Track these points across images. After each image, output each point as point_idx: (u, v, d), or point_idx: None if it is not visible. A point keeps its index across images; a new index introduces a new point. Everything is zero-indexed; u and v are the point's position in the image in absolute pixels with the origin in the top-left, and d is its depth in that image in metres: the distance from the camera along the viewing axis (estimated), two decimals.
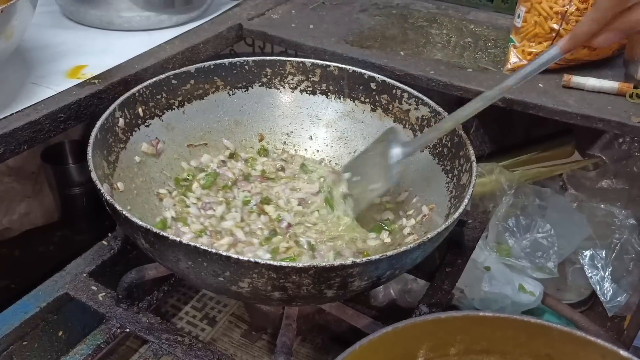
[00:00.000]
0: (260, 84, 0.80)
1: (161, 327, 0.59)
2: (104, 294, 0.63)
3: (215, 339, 0.80)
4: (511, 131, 1.11)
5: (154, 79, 0.72)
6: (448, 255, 0.73)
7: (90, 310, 0.62)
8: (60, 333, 0.65)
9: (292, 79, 0.80)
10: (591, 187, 0.95)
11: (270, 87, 0.81)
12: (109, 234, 0.71)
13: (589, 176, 0.97)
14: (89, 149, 0.58)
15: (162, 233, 0.48)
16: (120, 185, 0.64)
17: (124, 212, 0.51)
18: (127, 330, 0.59)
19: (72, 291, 0.63)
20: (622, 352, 0.42)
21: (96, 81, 0.72)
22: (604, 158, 0.99)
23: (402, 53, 0.85)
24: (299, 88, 0.81)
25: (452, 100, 0.79)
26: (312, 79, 0.80)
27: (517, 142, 1.11)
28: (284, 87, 0.81)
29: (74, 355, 0.58)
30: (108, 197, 0.52)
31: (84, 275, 0.65)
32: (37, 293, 0.63)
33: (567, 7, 0.76)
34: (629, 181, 0.94)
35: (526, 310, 0.93)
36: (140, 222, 0.50)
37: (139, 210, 0.65)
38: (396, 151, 0.66)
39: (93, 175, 0.55)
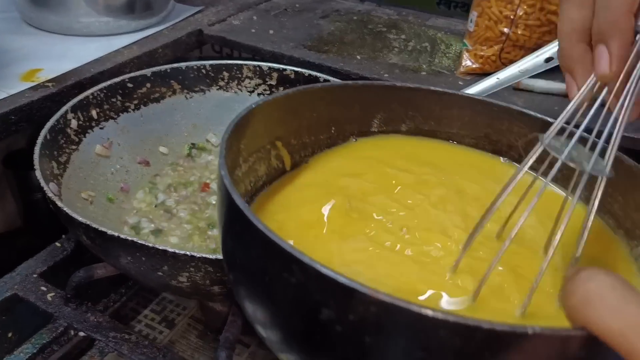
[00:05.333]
0: (217, 87, 0.81)
1: (109, 325, 0.60)
2: (54, 294, 0.63)
3: (173, 342, 0.80)
4: None
5: (109, 82, 0.72)
6: None
7: (39, 310, 0.62)
8: (10, 334, 0.65)
9: (250, 83, 0.82)
10: None
11: (227, 91, 0.82)
12: (63, 236, 0.72)
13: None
14: (36, 149, 0.59)
15: (100, 229, 0.49)
16: (73, 185, 0.64)
17: (64, 209, 0.51)
18: (75, 328, 0.60)
19: (21, 292, 0.63)
20: (551, 120, 0.42)
21: (50, 84, 0.73)
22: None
23: (358, 57, 0.86)
24: (256, 91, 0.82)
25: None
26: (269, 82, 0.81)
27: None
28: (241, 91, 0.82)
29: (18, 354, 0.58)
30: (50, 195, 0.53)
31: (34, 276, 0.65)
32: None
33: (516, 11, 0.78)
34: None
35: None
36: (80, 219, 0.50)
37: (100, 213, 0.65)
38: None
39: (37, 173, 0.55)
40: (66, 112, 0.66)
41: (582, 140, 0.34)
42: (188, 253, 0.47)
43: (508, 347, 0.24)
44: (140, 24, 0.89)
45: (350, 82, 0.46)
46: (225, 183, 0.30)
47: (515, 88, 0.79)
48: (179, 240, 0.67)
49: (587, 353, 0.24)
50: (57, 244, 0.70)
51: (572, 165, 0.33)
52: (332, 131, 0.45)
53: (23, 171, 1.02)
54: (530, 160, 0.33)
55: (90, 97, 0.70)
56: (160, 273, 0.50)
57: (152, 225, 0.69)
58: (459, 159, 0.46)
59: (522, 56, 0.70)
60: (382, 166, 0.43)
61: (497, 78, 0.63)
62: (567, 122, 0.35)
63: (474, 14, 0.82)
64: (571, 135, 0.34)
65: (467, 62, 0.82)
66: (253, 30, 0.93)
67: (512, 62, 0.70)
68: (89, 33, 0.86)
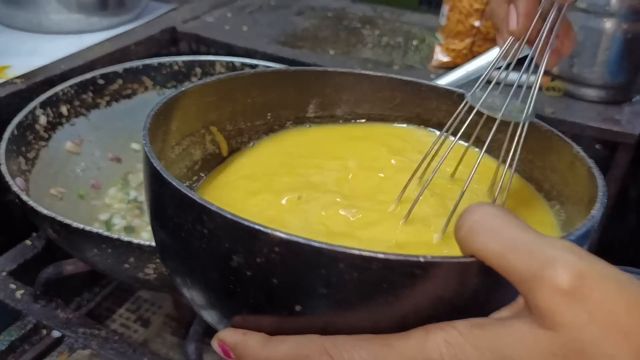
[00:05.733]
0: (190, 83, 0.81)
1: (78, 321, 0.59)
2: (23, 291, 0.62)
3: (148, 340, 0.80)
4: None
5: (80, 79, 0.72)
6: None
7: (8, 308, 0.61)
8: None
9: None
10: None
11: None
12: (34, 234, 0.71)
13: None
14: (2, 144, 0.58)
15: (65, 221, 0.48)
16: (42, 181, 0.64)
17: (29, 203, 0.51)
18: (44, 325, 0.59)
19: None
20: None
21: (19, 81, 0.72)
22: None
23: (331, 52, 0.86)
24: None
25: None
26: None
27: None
28: None
29: None
30: (16, 189, 0.52)
31: (4, 274, 0.64)
32: None
33: (486, 4, 0.79)
34: None
35: None
36: (45, 212, 0.50)
37: (70, 209, 0.65)
38: None
39: (3, 168, 0.55)
40: (34, 108, 0.66)
41: (513, 95, 0.36)
42: (153, 244, 0.46)
43: (403, 276, 0.25)
44: (113, 21, 0.89)
45: (282, 68, 0.48)
46: (145, 150, 0.31)
47: (487, 81, 0.79)
48: (150, 236, 0.66)
49: (479, 280, 0.25)
50: (28, 242, 0.70)
51: (486, 112, 0.36)
52: (268, 117, 0.46)
53: None
54: (459, 113, 0.37)
55: (60, 93, 0.69)
56: (127, 265, 0.49)
57: (124, 221, 0.69)
58: (391, 131, 0.48)
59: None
60: (313, 155, 0.44)
61: (466, 71, 0.63)
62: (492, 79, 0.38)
63: (445, 8, 0.83)
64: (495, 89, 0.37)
65: (439, 56, 0.83)
66: (227, 27, 0.93)
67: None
68: (59, 30, 0.86)
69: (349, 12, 1.03)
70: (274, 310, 0.28)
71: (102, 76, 0.74)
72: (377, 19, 1.00)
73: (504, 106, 0.35)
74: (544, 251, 0.23)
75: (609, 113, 0.73)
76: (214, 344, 0.29)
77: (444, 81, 0.66)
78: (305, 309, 0.27)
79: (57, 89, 0.69)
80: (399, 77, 0.46)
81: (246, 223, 0.26)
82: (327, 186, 0.40)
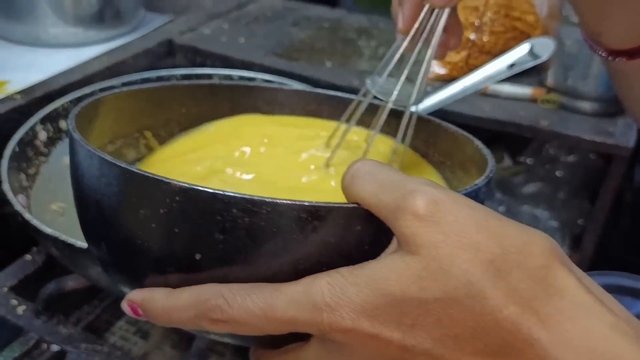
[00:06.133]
0: None
1: (80, 337, 0.59)
2: (25, 307, 0.63)
3: (148, 353, 0.80)
4: None
5: (79, 93, 0.72)
6: None
7: (9, 324, 0.62)
8: None
9: None
10: (517, 191, 0.98)
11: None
12: (34, 248, 0.71)
13: (516, 181, 1.00)
14: (4, 162, 0.59)
15: (69, 241, 0.49)
16: (42, 197, 0.64)
17: (32, 222, 0.51)
18: (46, 341, 0.59)
19: None
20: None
21: (18, 96, 0.72)
22: (529, 163, 1.02)
23: (328, 64, 0.87)
24: None
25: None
26: None
27: None
28: None
29: None
30: (19, 208, 0.53)
31: (5, 290, 0.64)
32: None
33: (482, 18, 0.80)
34: (553, 184, 0.98)
35: None
36: (48, 231, 0.50)
37: (71, 224, 0.65)
38: None
39: (5, 186, 0.55)
40: (35, 124, 0.66)
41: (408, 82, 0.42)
42: None
43: (291, 220, 0.27)
44: (110, 34, 0.89)
45: (217, 82, 0.53)
46: (69, 126, 0.35)
47: (483, 93, 0.80)
48: None
49: (362, 226, 0.28)
50: (28, 257, 0.70)
51: (380, 97, 0.41)
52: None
53: None
54: (359, 97, 0.44)
55: (60, 108, 0.70)
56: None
57: None
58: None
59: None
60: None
61: (463, 85, 0.64)
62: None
63: None
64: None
65: (435, 69, 0.84)
66: (224, 39, 0.94)
67: (472, 66, 0.71)
68: (57, 44, 0.86)
69: (345, 22, 1.04)
70: (177, 262, 0.30)
71: (102, 90, 0.74)
72: (373, 30, 1.01)
73: (395, 92, 0.40)
74: (407, 185, 0.27)
75: (603, 125, 0.74)
76: (124, 305, 0.32)
77: (440, 97, 0.66)
78: (204, 257, 0.29)
79: (57, 104, 0.69)
80: (325, 92, 0.51)
81: (150, 175, 0.29)
82: (239, 161, 0.44)
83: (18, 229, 1.01)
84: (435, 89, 0.78)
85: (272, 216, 0.27)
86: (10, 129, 0.71)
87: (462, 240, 0.25)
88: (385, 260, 0.26)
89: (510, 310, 0.25)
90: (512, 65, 0.64)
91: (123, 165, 0.29)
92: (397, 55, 0.43)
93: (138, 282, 0.32)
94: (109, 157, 0.30)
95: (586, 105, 0.75)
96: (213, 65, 1.09)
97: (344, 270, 0.27)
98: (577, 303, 0.25)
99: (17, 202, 0.53)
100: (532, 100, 0.78)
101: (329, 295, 0.26)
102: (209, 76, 0.80)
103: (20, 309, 0.62)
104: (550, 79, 0.79)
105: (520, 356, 0.25)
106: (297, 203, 0.27)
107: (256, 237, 0.28)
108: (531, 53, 0.58)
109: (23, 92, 0.73)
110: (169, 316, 0.30)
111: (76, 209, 0.36)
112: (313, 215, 0.27)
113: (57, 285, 0.62)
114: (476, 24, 0.80)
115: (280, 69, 0.84)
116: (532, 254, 0.26)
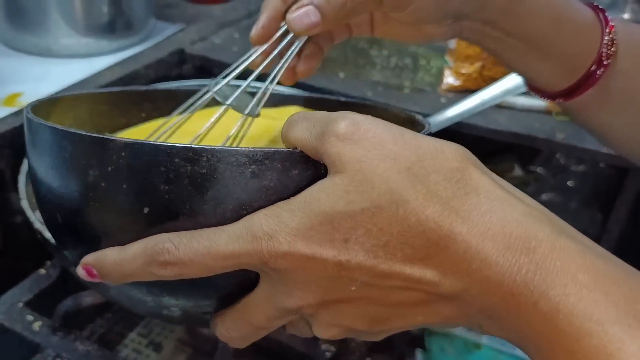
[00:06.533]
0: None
1: (97, 354, 0.59)
2: (41, 323, 0.62)
3: None
4: None
5: None
6: None
7: (26, 341, 0.61)
8: None
9: None
10: None
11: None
12: (48, 262, 0.71)
13: (528, 190, 1.00)
14: (21, 177, 0.58)
15: None
16: None
17: (52, 241, 0.50)
18: (63, 357, 0.59)
19: (6, 322, 0.62)
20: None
21: None
22: (540, 173, 1.02)
23: (341, 75, 0.87)
24: None
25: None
26: None
27: None
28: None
29: None
30: (38, 226, 0.52)
31: (20, 305, 0.64)
32: None
33: None
34: (564, 194, 0.97)
35: None
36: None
37: None
38: None
39: (24, 203, 0.55)
40: None
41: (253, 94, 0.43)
42: None
43: (230, 165, 0.29)
44: (122, 44, 0.89)
45: (174, 87, 0.53)
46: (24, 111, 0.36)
47: (497, 105, 0.80)
48: None
49: (300, 169, 0.30)
50: (42, 271, 0.69)
51: (218, 98, 0.42)
52: None
53: (2, 193, 1.00)
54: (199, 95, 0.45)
55: None
56: (151, 303, 0.49)
57: None
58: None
59: (504, 73, 0.71)
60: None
61: (482, 99, 0.64)
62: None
63: None
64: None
65: (449, 80, 0.83)
66: (235, 49, 0.93)
67: (493, 79, 0.71)
68: (69, 54, 0.85)
69: None
70: (128, 219, 0.31)
71: None
72: (384, 39, 1.01)
73: (232, 97, 0.42)
74: (331, 115, 0.29)
75: None
76: (79, 270, 0.33)
77: (459, 110, 0.66)
78: (152, 210, 0.30)
79: None
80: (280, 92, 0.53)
81: (96, 135, 0.30)
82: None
83: (29, 241, 1.00)
84: (450, 101, 0.78)
85: (212, 163, 0.29)
86: (24, 143, 0.70)
87: (381, 152, 0.28)
88: (316, 185, 0.29)
89: (431, 210, 0.27)
90: None
91: (71, 130, 0.31)
92: (243, 66, 0.45)
93: (94, 248, 0.33)
94: (59, 126, 0.32)
95: None
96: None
97: (281, 202, 0.29)
98: (492, 198, 0.28)
99: (37, 220, 0.53)
100: (547, 112, 0.78)
101: (266, 224, 0.28)
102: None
103: (37, 325, 0.62)
104: None
105: (445, 253, 0.27)
106: (235, 148, 0.29)
107: (199, 185, 0.29)
108: None
109: None
110: (120, 269, 0.31)
111: (33, 190, 0.38)
112: (251, 160, 0.29)
113: (75, 302, 0.62)
114: None
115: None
116: (446, 159, 0.28)
